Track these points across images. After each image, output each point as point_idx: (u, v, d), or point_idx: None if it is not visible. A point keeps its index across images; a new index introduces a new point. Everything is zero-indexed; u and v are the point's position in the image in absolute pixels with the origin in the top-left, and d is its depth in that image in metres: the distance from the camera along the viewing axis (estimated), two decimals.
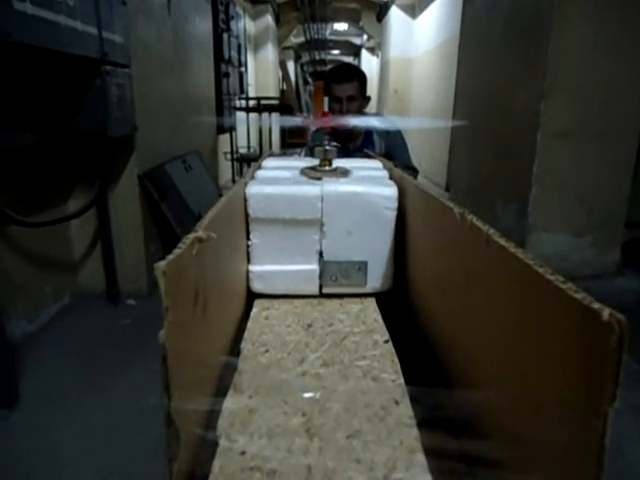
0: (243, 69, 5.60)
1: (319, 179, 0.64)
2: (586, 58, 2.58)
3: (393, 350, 0.46)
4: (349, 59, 15.76)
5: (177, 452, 0.24)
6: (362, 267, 0.61)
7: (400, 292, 0.61)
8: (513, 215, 3.01)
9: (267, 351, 0.45)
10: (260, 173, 0.67)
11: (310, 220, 0.59)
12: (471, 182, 3.90)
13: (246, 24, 6.31)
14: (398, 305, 0.59)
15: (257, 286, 0.61)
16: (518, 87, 2.95)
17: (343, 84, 1.66)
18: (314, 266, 0.61)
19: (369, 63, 12.66)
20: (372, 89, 11.92)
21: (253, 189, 0.57)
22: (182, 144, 3.15)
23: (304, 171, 0.68)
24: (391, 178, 0.68)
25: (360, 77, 1.72)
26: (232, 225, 0.48)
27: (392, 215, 0.60)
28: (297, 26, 10.34)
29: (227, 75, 4.69)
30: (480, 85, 3.67)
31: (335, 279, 0.61)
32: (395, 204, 0.60)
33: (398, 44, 7.60)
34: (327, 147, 0.67)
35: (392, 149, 1.73)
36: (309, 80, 16.52)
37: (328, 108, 1.75)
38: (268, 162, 0.77)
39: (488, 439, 0.28)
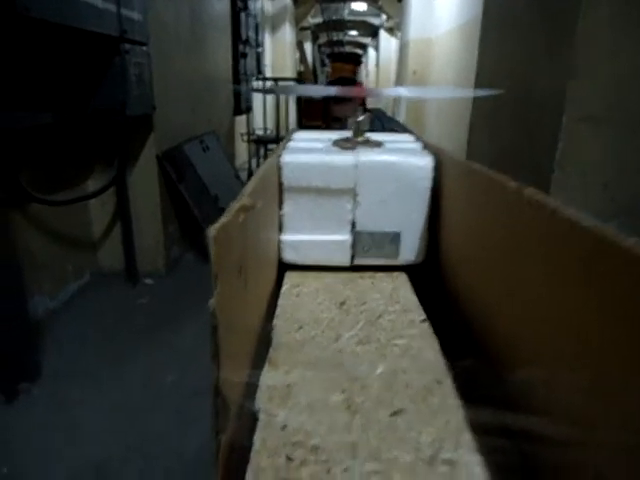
0: (260, 49, 5.53)
1: (352, 149, 0.62)
2: (617, 37, 2.48)
3: (431, 330, 0.45)
4: (367, 40, 15.50)
5: (225, 424, 0.23)
6: (395, 238, 0.60)
7: (432, 266, 0.60)
8: None
9: (301, 328, 0.44)
10: (292, 144, 0.66)
11: (344, 189, 0.58)
12: (491, 164, 3.82)
13: (264, 4, 6.22)
14: (430, 279, 0.58)
15: (288, 256, 0.60)
16: (543, 68, 2.86)
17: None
18: (346, 236, 0.60)
19: (387, 43, 12.43)
20: (390, 71, 11.71)
21: (287, 158, 0.57)
22: (200, 124, 3.14)
23: (337, 142, 0.67)
24: (425, 149, 0.66)
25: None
26: (267, 194, 0.47)
27: (427, 186, 0.58)
28: (315, 6, 10.17)
29: (244, 55, 4.64)
30: (502, 66, 3.57)
31: (367, 250, 0.60)
32: (430, 174, 0.58)
33: (418, 24, 7.44)
34: (360, 118, 0.66)
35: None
36: (326, 62, 16.32)
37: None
38: (299, 134, 0.75)
39: (542, 416, 0.27)
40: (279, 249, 0.60)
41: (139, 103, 2.15)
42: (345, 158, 0.58)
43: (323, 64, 14.87)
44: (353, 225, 0.60)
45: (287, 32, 8.37)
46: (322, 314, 0.47)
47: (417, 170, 0.58)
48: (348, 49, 17.47)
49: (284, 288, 0.54)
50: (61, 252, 2.26)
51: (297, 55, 10.21)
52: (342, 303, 0.50)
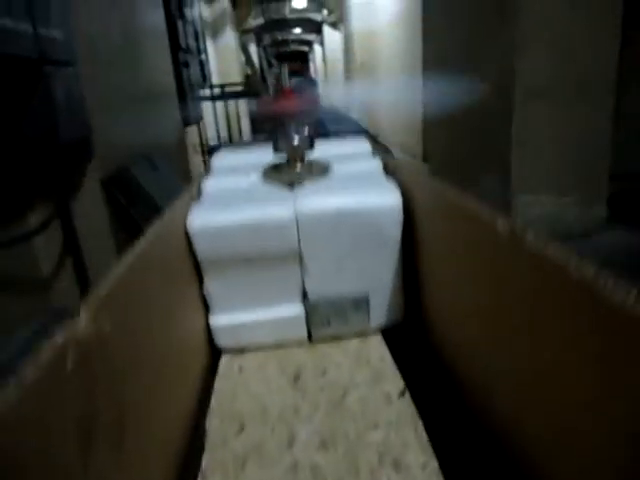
0: (203, 56, 5.36)
1: (290, 184, 0.49)
2: (559, 10, 2.47)
3: (413, 407, 0.35)
4: (312, 37, 15.41)
5: None
6: (362, 303, 0.46)
7: (415, 325, 0.48)
8: (495, 179, 2.93)
9: (242, 430, 0.33)
10: (209, 184, 0.52)
11: (284, 253, 0.44)
12: (449, 149, 3.81)
13: (202, 10, 6.03)
14: (412, 341, 0.46)
15: (224, 342, 0.46)
16: (488, 47, 2.84)
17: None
18: (297, 309, 0.46)
19: (332, 38, 12.37)
20: (337, 65, 11.65)
21: (197, 222, 0.43)
22: (146, 141, 2.97)
23: (267, 174, 0.52)
24: (387, 171, 0.52)
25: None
26: (169, 270, 0.35)
27: (397, 232, 0.44)
28: (255, 7, 10.02)
29: (187, 65, 4.48)
30: (449, 47, 3.54)
31: (327, 323, 0.46)
32: (400, 217, 0.44)
33: (359, 16, 7.39)
34: (296, 140, 0.51)
35: None
36: (273, 62, 16.12)
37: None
38: (221, 160, 0.61)
39: None
40: (210, 333, 0.46)
41: (72, 127, 1.99)
42: (279, 211, 0.43)
43: (270, 65, 14.69)
44: (305, 294, 0.46)
45: (229, 36, 8.18)
46: (271, 398, 0.36)
47: (382, 214, 0.43)
48: (293, 47, 17.31)
49: (222, 366, 0.42)
50: (6, 298, 2.08)
51: (243, 59, 10.02)
52: (297, 377, 0.39)
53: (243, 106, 7.01)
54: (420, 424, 0.33)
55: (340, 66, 10.87)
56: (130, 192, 2.41)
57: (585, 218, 2.78)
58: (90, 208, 2.29)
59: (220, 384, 0.39)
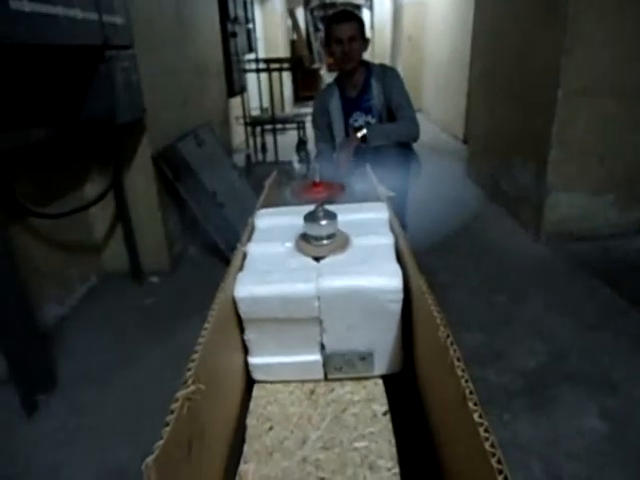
0: (250, 25, 5.39)
1: (316, 260, 0.61)
2: (610, 9, 2.41)
3: (391, 426, 0.48)
4: (360, 1, 14.96)
5: None
6: (367, 356, 0.59)
7: (408, 369, 0.60)
8: (532, 173, 2.93)
9: (271, 428, 0.48)
10: (252, 249, 0.64)
11: (308, 319, 0.57)
12: (489, 136, 3.79)
13: None
14: (406, 383, 0.58)
15: (258, 377, 0.60)
16: (538, 38, 2.79)
17: (343, 24, 1.79)
18: (317, 356, 0.59)
19: (381, 5, 12.02)
20: (385, 33, 11.37)
21: (242, 291, 0.55)
22: (193, 116, 3.11)
23: (299, 245, 0.65)
24: (397, 247, 0.63)
25: (358, 19, 1.89)
26: (224, 324, 0.48)
27: (397, 307, 0.56)
28: None
29: (234, 35, 4.53)
30: (498, 34, 3.48)
31: (340, 368, 0.59)
32: (400, 296, 0.55)
33: None
34: (323, 222, 0.63)
35: (390, 92, 1.87)
36: (319, 27, 15.79)
37: (330, 53, 1.87)
38: (262, 220, 0.73)
39: None
40: (247, 369, 0.60)
41: (129, 109, 2.14)
42: (305, 288, 0.55)
43: (317, 29, 14.40)
44: (322, 346, 0.59)
45: (277, 1, 8.12)
46: (292, 408, 0.50)
47: (386, 294, 0.55)
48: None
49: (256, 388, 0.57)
50: (65, 258, 2.31)
51: (289, 23, 9.94)
52: (312, 392, 0.53)
53: (285, 77, 7.02)
54: (393, 439, 0.46)
55: (388, 35, 10.62)
56: (177, 167, 2.57)
57: (620, 219, 2.77)
58: (140, 180, 2.46)
59: (256, 392, 0.54)
